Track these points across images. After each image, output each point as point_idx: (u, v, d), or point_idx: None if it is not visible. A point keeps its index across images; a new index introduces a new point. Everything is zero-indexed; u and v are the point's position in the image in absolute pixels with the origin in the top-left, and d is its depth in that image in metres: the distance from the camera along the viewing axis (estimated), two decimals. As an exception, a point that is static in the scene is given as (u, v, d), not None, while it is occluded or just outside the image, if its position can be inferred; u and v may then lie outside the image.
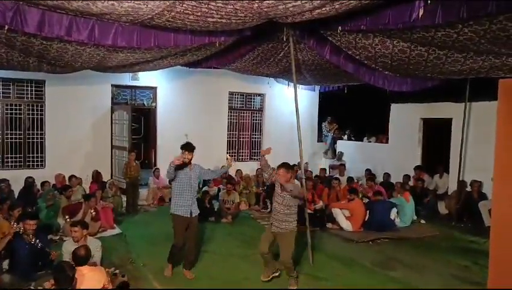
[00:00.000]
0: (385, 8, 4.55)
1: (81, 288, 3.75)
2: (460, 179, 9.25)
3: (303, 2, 4.10)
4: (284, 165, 5.19)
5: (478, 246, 7.22)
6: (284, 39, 6.38)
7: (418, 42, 5.47)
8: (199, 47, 6.41)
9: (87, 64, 7.01)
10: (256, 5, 4.35)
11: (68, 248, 4.86)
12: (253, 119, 12.73)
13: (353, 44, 6.10)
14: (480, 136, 9.25)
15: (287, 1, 4.13)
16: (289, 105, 10.78)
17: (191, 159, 5.37)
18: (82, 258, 4.00)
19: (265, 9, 4.51)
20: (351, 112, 13.51)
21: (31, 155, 9.58)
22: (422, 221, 8.81)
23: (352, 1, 3.93)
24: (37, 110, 9.57)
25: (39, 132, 9.61)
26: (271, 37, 6.87)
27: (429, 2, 4.21)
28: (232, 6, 4.39)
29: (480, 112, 9.38)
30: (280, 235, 5.08)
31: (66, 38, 4.95)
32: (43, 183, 8.44)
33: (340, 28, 5.32)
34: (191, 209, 5.36)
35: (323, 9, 4.14)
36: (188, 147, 5.33)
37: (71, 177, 8.79)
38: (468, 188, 9.10)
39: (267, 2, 4.20)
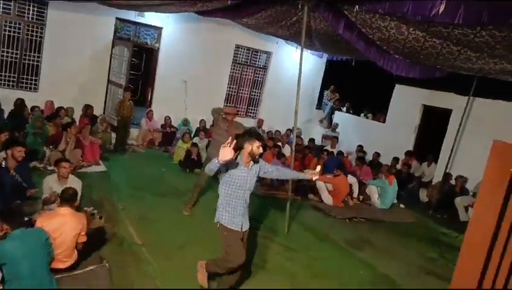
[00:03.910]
0: (407, -3, 4.35)
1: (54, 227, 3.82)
2: (447, 171, 9.35)
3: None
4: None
5: (449, 239, 7.45)
6: (299, 6, 6.14)
7: (433, 35, 5.30)
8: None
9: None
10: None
11: (49, 183, 4.91)
12: (256, 76, 12.52)
13: (368, 23, 5.89)
14: (476, 133, 9.25)
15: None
16: (294, 67, 10.60)
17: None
18: (68, 197, 4.04)
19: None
20: (355, 84, 13.35)
21: (25, 77, 9.39)
22: (402, 205, 8.99)
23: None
24: (36, 31, 9.26)
25: (36, 54, 9.36)
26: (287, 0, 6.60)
27: (452, -2, 4.04)
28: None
29: (481, 108, 9.33)
30: None
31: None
32: (33, 108, 8.37)
33: (357, 7, 5.11)
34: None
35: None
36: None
37: (59, 108, 8.70)
38: (453, 182, 9.23)
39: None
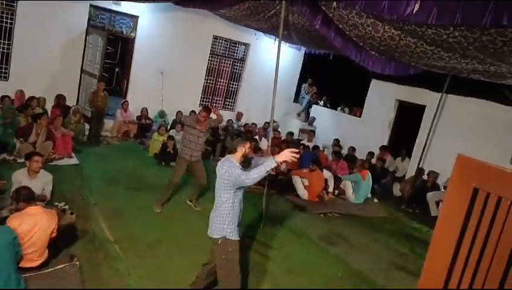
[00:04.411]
0: (383, -5, 4.37)
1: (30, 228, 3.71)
2: (420, 166, 9.55)
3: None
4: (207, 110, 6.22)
5: (419, 234, 7.61)
6: (277, 0, 6.11)
7: (408, 33, 5.36)
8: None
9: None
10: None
11: (18, 178, 4.78)
12: (234, 68, 12.44)
13: (345, 20, 5.91)
14: (449, 129, 9.48)
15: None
16: (273, 59, 10.42)
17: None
18: (25, 198, 3.88)
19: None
20: (332, 78, 13.43)
21: (-6, 65, 9.07)
22: (376, 200, 9.13)
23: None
24: (6, 18, 8.89)
25: (6, 41, 9.00)
26: (265, -8, 6.56)
27: (426, -2, 4.09)
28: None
29: (454, 105, 9.54)
30: (197, 162, 6.14)
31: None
32: (2, 98, 8.07)
33: (335, 3, 5.11)
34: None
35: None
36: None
37: (31, 98, 8.42)
38: (426, 177, 9.43)
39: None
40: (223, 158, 3.73)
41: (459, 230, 1.83)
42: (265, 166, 3.29)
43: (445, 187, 8.81)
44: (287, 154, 3.30)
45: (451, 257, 2.12)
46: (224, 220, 3.55)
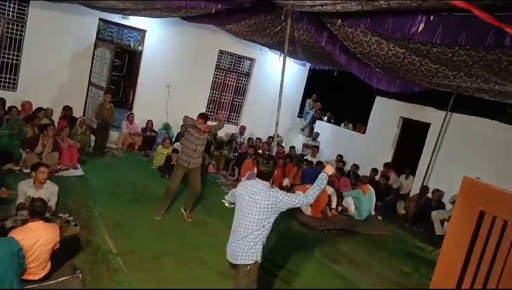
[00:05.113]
0: (387, 15, 4.44)
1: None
2: (424, 184, 9.50)
3: None
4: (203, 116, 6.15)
5: (423, 253, 7.52)
6: (283, 17, 6.21)
7: (412, 52, 5.41)
8: (194, 6, 6.16)
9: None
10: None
11: (24, 188, 4.80)
12: (239, 83, 12.54)
13: (350, 37, 5.98)
14: (454, 147, 9.45)
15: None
16: (277, 75, 10.52)
17: None
18: (39, 210, 3.87)
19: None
20: (337, 94, 13.49)
21: (3, 76, 9.16)
22: (379, 217, 9.07)
23: (354, 6, 3.80)
24: (16, 29, 9.05)
25: (16, 52, 9.14)
26: (271, 9, 6.65)
27: (431, 18, 4.14)
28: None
29: (459, 123, 9.53)
30: (194, 170, 6.16)
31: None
32: (10, 108, 8.15)
33: (340, 21, 5.19)
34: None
35: (324, 7, 4.00)
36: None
37: (38, 109, 8.51)
38: (430, 195, 9.38)
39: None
40: (254, 184, 3.49)
41: (465, 253, 1.83)
42: (321, 182, 3.43)
43: (452, 203, 8.71)
44: (331, 166, 3.59)
45: (457, 279, 2.11)
46: (259, 244, 3.45)
